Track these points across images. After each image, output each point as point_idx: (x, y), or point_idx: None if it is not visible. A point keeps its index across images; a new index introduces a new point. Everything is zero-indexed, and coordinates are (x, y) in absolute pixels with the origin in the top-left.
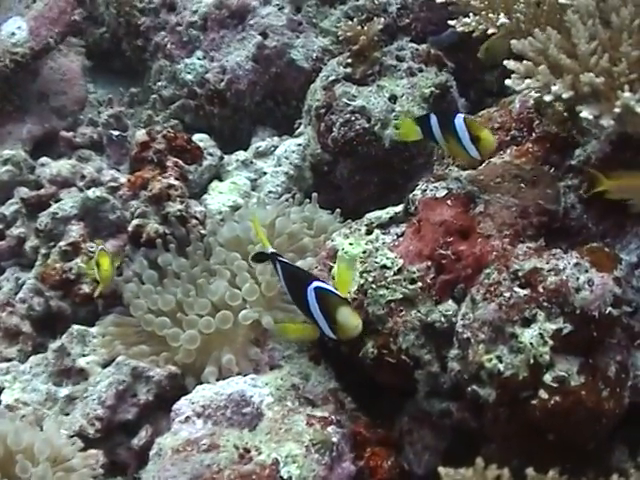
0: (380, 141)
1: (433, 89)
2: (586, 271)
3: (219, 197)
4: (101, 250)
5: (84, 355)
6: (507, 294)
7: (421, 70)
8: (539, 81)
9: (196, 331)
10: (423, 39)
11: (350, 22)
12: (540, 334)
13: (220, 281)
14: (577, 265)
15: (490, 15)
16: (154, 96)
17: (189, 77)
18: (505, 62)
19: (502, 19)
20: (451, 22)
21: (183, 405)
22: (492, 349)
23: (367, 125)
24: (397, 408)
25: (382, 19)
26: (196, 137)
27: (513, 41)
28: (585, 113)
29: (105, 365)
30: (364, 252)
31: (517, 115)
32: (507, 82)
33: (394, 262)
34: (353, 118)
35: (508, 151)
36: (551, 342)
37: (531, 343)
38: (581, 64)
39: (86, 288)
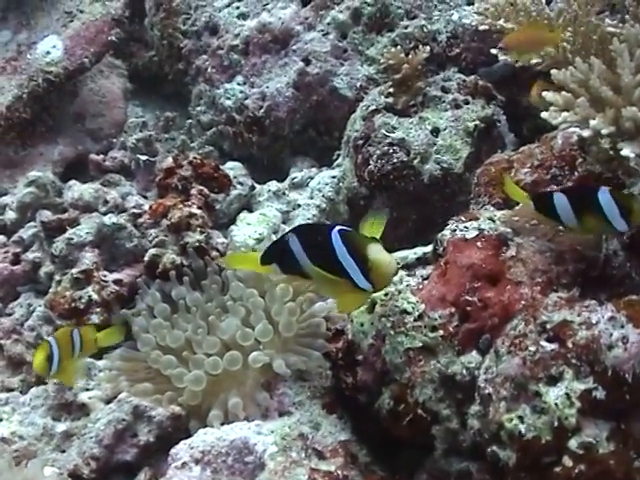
0: (419, 176)
1: (478, 123)
2: (621, 326)
3: (246, 229)
4: (43, 342)
5: (87, 389)
6: (533, 348)
7: (467, 102)
8: (577, 114)
9: (202, 372)
10: (473, 70)
11: (393, 50)
12: (567, 394)
13: (232, 319)
14: (612, 319)
15: None
16: (190, 121)
17: (228, 103)
18: (544, 93)
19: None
20: (494, 51)
21: (181, 450)
22: (514, 408)
23: (406, 159)
24: (417, 464)
25: (428, 48)
26: (228, 165)
27: (553, 70)
28: (626, 151)
29: (108, 401)
30: (386, 294)
31: (559, 152)
32: (543, 115)
33: (415, 307)
34: (391, 151)
35: None
36: (578, 404)
37: (556, 404)
38: (624, 97)
39: (95, 319)
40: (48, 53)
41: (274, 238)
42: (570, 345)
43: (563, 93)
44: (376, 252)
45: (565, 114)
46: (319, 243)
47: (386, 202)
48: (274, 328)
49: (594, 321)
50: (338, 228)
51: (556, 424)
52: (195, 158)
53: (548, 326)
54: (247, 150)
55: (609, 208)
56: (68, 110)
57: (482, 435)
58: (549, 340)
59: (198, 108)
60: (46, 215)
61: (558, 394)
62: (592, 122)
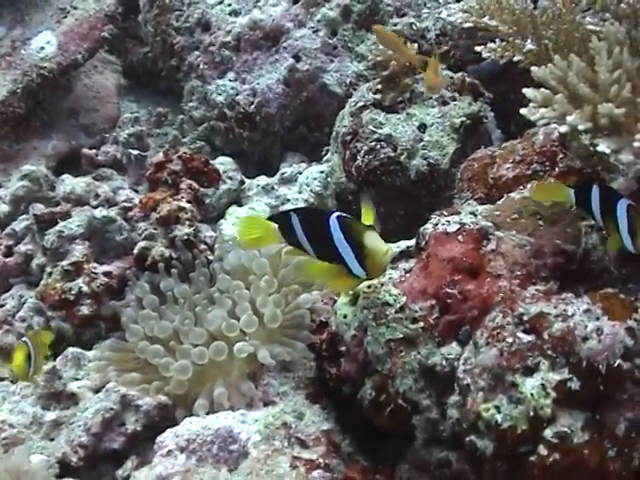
0: (406, 172)
1: (464, 119)
2: (597, 319)
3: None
4: (21, 342)
5: (77, 379)
6: (510, 339)
7: (454, 99)
8: (555, 111)
9: (188, 362)
10: (462, 67)
11: (382, 47)
12: (542, 385)
13: (219, 310)
14: (587, 312)
15: (517, 41)
16: (181, 117)
17: (220, 99)
18: (524, 90)
19: (529, 45)
20: (478, 48)
21: (167, 438)
22: (491, 398)
23: (393, 154)
24: (400, 454)
25: (416, 45)
26: (218, 160)
27: (533, 67)
28: (602, 147)
29: (97, 391)
30: (369, 287)
31: (540, 148)
32: (522, 111)
33: (397, 299)
34: (378, 146)
35: (528, 186)
36: (554, 394)
37: (532, 394)
38: (601, 94)
39: (85, 310)
40: (42, 49)
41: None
42: (546, 337)
43: (542, 90)
44: (373, 240)
45: (543, 110)
46: (317, 227)
47: (373, 197)
48: (259, 319)
49: (570, 313)
50: (337, 214)
51: (532, 414)
52: (185, 153)
53: (525, 318)
54: (238, 145)
55: (622, 221)
56: (62, 105)
57: (461, 425)
58: (526, 332)
59: (190, 104)
60: (39, 208)
61: (534, 384)
62: (569, 118)
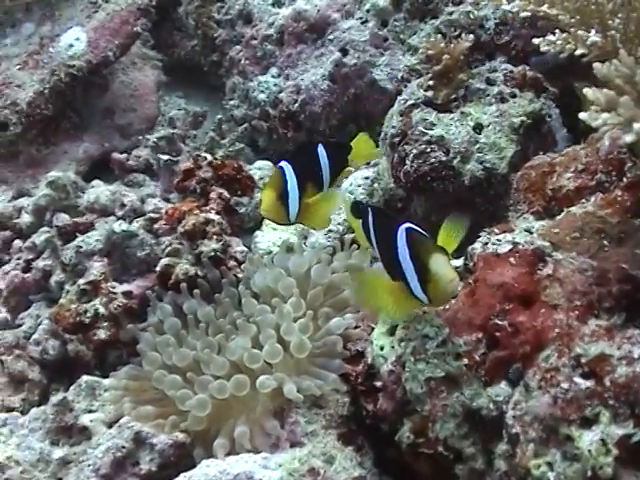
0: (460, 177)
1: (524, 118)
2: None
3: (271, 234)
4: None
5: (91, 411)
6: (565, 385)
7: (514, 95)
8: (620, 116)
9: (207, 396)
10: (524, 59)
11: (433, 38)
12: (602, 440)
13: (241, 338)
14: None
15: (579, 32)
16: (219, 117)
17: (262, 96)
18: (584, 90)
19: (593, 37)
20: (536, 41)
21: None
22: (542, 452)
23: (444, 158)
24: None
25: (472, 36)
26: (257, 164)
27: (596, 64)
28: None
29: (111, 425)
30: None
31: (605, 155)
32: (581, 115)
33: (438, 331)
34: (429, 150)
35: (592, 199)
36: (615, 451)
37: (590, 450)
38: None
39: (102, 334)
40: (71, 46)
41: (304, 245)
42: (607, 383)
43: (605, 90)
44: (439, 265)
45: (605, 115)
46: (385, 233)
47: (424, 205)
48: (285, 348)
49: (636, 356)
50: (407, 225)
51: (589, 474)
52: (215, 159)
53: (583, 360)
54: (282, 146)
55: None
56: (97, 105)
57: (510, 479)
58: (584, 376)
59: (232, 102)
60: (63, 219)
61: (592, 439)
62: (636, 125)
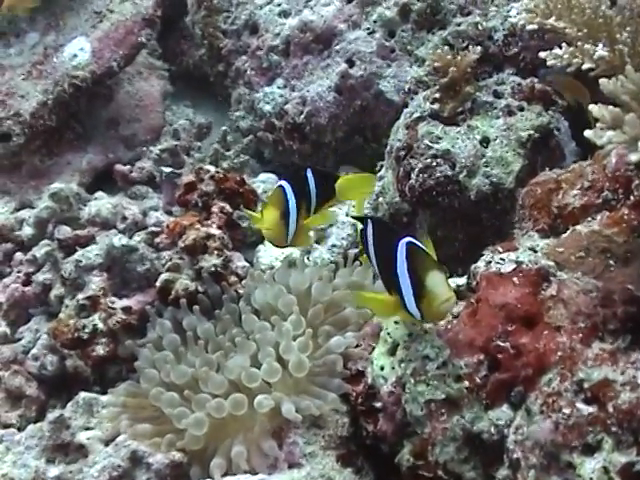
0: (466, 192)
1: (532, 132)
2: None
3: (274, 249)
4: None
5: (88, 429)
6: (567, 410)
7: (522, 109)
8: (625, 134)
9: (204, 415)
10: (533, 71)
11: (440, 50)
12: (604, 467)
13: (240, 357)
14: None
15: (586, 46)
16: (224, 128)
17: (267, 108)
18: (590, 107)
19: (600, 51)
20: (542, 54)
21: None
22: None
23: (450, 173)
24: None
25: (479, 48)
26: (261, 177)
27: (602, 80)
28: None
29: (108, 442)
30: (410, 335)
31: (612, 172)
32: (586, 133)
33: (439, 352)
34: (434, 164)
35: (598, 217)
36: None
37: (591, 478)
38: None
39: (101, 350)
40: (75, 56)
41: (306, 260)
42: (610, 409)
43: (611, 108)
44: (435, 282)
45: (610, 133)
46: (385, 245)
47: (429, 220)
48: (284, 367)
49: None
50: (407, 240)
51: None
52: (218, 172)
53: (586, 385)
54: (288, 158)
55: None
56: (101, 115)
57: None
58: (586, 402)
59: (237, 113)
60: (64, 232)
61: (595, 467)
62: None
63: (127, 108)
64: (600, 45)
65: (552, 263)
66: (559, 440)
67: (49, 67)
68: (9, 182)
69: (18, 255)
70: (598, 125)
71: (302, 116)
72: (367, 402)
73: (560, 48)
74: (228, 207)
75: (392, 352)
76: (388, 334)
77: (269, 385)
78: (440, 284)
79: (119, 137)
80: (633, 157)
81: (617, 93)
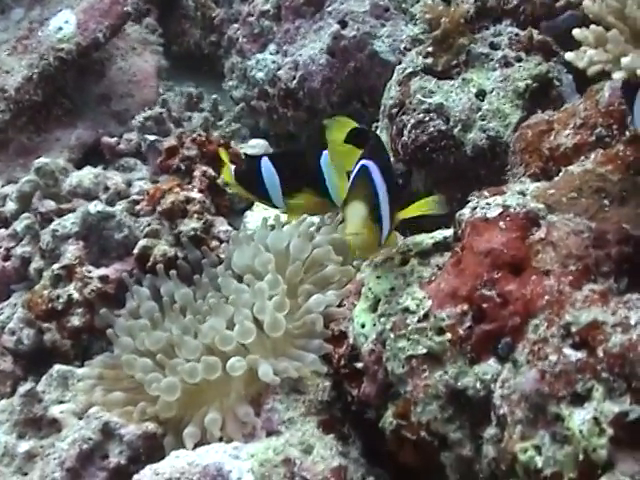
0: (461, 147)
1: (530, 82)
2: None
3: (262, 213)
4: None
5: (62, 402)
6: (553, 357)
7: (519, 59)
8: (608, 52)
9: (177, 379)
10: (534, 24)
11: (431, 1)
12: (595, 418)
13: (216, 319)
14: None
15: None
16: (214, 96)
17: (260, 75)
18: (574, 31)
19: None
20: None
21: (145, 476)
22: (529, 435)
23: (444, 127)
24: None
25: None
26: (251, 142)
27: (586, 1)
28: None
29: (82, 416)
30: (391, 289)
31: (605, 107)
32: (567, 55)
33: (420, 304)
34: (427, 118)
35: (592, 156)
36: (610, 431)
37: (581, 430)
38: None
39: (76, 321)
40: (60, 29)
41: None
42: (600, 354)
43: (593, 27)
44: (349, 214)
45: (591, 52)
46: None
47: (424, 179)
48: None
49: (633, 322)
50: (365, 162)
51: (582, 457)
52: (200, 135)
53: (574, 329)
54: (284, 127)
55: None
56: (93, 91)
57: (499, 466)
58: (574, 347)
59: (230, 83)
60: (47, 205)
61: (585, 418)
62: (625, 59)
63: (120, 84)
64: None
65: (542, 206)
66: (545, 390)
67: (34, 41)
68: None
69: (1, 232)
70: (581, 49)
71: (295, 81)
72: (350, 364)
73: None
74: (211, 171)
75: (374, 308)
76: (369, 289)
77: (245, 348)
78: (352, 216)
79: (110, 112)
80: (616, 75)
81: (602, 14)
